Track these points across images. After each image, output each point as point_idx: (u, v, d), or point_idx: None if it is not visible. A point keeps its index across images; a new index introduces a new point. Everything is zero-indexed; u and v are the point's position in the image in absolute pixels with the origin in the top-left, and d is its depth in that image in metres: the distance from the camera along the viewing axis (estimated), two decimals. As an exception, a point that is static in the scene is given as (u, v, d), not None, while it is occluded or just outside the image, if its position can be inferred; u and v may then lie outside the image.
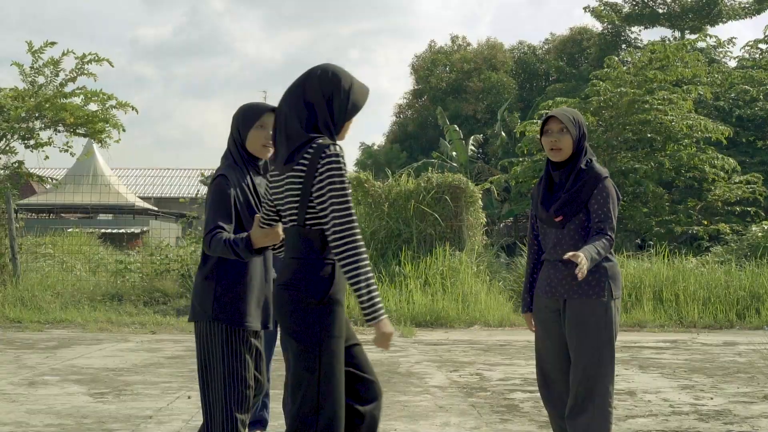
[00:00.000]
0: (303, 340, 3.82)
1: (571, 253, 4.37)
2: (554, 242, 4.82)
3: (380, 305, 3.73)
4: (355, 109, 3.98)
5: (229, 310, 4.22)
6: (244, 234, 4.06)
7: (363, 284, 3.68)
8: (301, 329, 3.83)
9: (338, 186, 3.71)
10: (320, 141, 3.79)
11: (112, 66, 17.48)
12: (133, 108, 17.54)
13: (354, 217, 3.73)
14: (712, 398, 7.89)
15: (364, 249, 3.73)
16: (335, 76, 3.92)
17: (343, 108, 3.92)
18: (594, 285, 4.70)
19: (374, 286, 3.71)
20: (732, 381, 8.92)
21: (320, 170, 3.73)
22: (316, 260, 3.81)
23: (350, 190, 3.77)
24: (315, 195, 3.76)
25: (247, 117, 4.40)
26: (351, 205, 3.74)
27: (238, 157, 4.40)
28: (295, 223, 3.86)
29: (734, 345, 12.09)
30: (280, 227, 4.05)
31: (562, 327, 4.81)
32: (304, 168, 3.77)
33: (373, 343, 3.76)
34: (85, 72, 17.08)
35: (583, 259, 4.31)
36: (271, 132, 4.33)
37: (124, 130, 17.51)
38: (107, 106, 17.27)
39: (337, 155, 3.74)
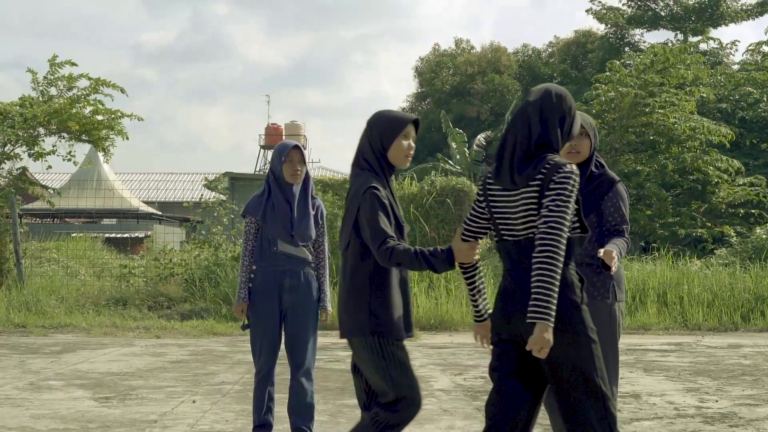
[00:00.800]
0: (570, 341, 3.81)
1: (602, 251, 4.45)
2: None
3: (552, 312, 3.67)
4: (574, 132, 4.12)
5: (384, 323, 4.22)
6: (441, 247, 4.12)
7: (546, 286, 3.67)
8: (560, 331, 3.80)
9: (565, 197, 3.75)
10: (556, 159, 3.86)
11: (125, 94, 17.49)
12: (138, 118, 17.54)
13: (565, 229, 3.74)
14: (717, 401, 7.89)
15: (561, 261, 3.72)
16: (568, 98, 4.05)
17: (569, 129, 4.03)
18: (599, 287, 4.73)
19: (555, 295, 3.69)
20: (737, 383, 8.91)
21: (552, 185, 3.79)
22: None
23: (572, 209, 3.79)
24: (543, 203, 3.81)
25: (393, 127, 4.35)
26: (567, 218, 3.75)
27: (378, 166, 4.35)
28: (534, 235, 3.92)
29: (739, 347, 12.07)
30: (479, 244, 4.14)
31: None
32: (540, 183, 3.83)
33: (529, 344, 3.68)
34: (100, 92, 17.13)
35: (616, 255, 4.42)
36: (412, 143, 4.42)
37: (127, 138, 17.52)
38: (113, 116, 17.27)
39: (573, 172, 3.80)
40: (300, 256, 5.94)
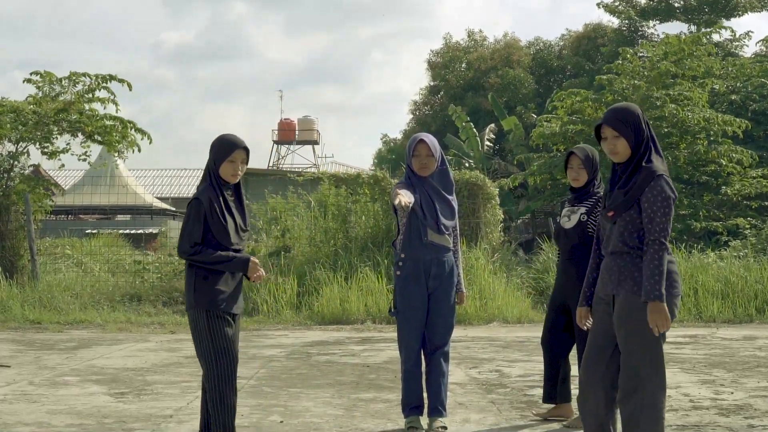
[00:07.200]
0: None
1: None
2: (606, 236, 4.91)
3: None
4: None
5: None
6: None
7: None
8: None
9: None
10: None
11: (131, 89, 17.40)
12: (148, 137, 17.59)
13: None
14: (732, 393, 7.86)
15: None
16: None
17: None
18: (640, 283, 4.70)
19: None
20: (752, 375, 8.89)
21: None
22: None
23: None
24: None
25: (223, 150, 5.32)
26: None
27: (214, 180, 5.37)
28: None
29: (754, 339, 12.04)
30: None
31: (612, 319, 4.86)
32: None
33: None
34: (106, 87, 17.06)
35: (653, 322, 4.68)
36: (240, 166, 5.33)
37: (140, 151, 17.75)
38: (126, 126, 17.28)
39: None
40: (444, 245, 6.29)
